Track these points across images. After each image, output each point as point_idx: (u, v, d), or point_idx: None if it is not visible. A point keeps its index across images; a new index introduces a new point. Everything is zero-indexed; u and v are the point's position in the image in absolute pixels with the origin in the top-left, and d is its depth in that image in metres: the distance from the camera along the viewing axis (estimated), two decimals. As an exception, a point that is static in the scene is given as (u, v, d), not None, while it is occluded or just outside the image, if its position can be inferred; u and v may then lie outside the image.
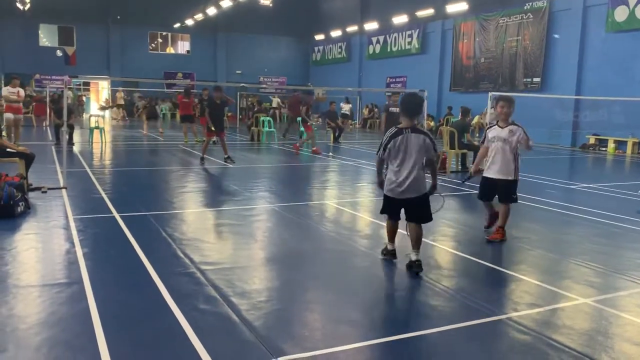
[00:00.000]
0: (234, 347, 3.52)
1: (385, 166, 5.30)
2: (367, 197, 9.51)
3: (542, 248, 6.23)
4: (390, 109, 13.20)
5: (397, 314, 4.25)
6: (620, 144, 18.60)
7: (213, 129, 12.63)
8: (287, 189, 10.18)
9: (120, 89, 32.82)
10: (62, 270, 4.98)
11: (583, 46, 19.84)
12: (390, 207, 5.31)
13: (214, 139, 13.75)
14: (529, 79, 22.07)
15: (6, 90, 14.20)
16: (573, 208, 8.45)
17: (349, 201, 8.96)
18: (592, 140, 19.50)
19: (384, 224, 7.24)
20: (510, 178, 6.21)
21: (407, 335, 3.74)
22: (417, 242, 5.12)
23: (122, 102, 32.33)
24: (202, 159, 12.79)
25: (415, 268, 5.03)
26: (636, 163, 16.12)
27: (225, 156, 12.80)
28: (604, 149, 18.93)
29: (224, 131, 13.26)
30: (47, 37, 34.16)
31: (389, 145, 5.05)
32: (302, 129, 19.84)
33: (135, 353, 3.41)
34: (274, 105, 34.05)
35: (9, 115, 13.76)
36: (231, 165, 12.47)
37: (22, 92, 14.61)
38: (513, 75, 22.81)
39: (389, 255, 5.50)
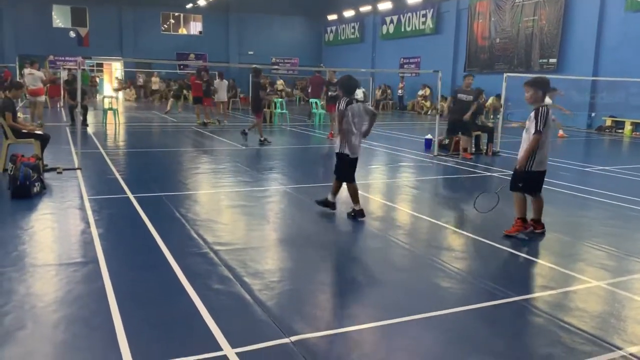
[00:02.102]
0: (247, 326, 3.57)
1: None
2: (379, 179, 9.50)
3: (556, 231, 6.19)
4: (459, 95, 11.58)
5: (409, 295, 4.26)
6: (638, 126, 18.28)
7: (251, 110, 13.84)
8: (299, 171, 10.20)
9: (155, 71, 32.63)
10: (78, 249, 5.06)
11: (601, 26, 19.42)
12: (352, 169, 6.45)
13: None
14: (545, 60, 21.71)
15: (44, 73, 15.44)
16: (588, 191, 8.37)
17: (360, 183, 8.90)
18: (608, 122, 19.20)
19: (396, 206, 7.25)
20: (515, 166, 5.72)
21: (419, 316, 3.76)
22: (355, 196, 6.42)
23: (156, 87, 31.90)
24: (263, 140, 13.34)
25: (359, 215, 6.30)
26: (653, 145, 15.89)
27: (258, 137, 13.51)
28: (620, 131, 18.63)
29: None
30: (60, 18, 34.16)
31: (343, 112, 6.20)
32: (314, 110, 19.78)
33: (150, 331, 3.47)
34: (279, 87, 33.53)
35: (43, 98, 15.28)
36: (266, 146, 12.98)
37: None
38: (529, 56, 22.45)
39: (330, 206, 6.52)
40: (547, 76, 6.56)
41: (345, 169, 6.43)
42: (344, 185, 6.51)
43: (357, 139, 6.35)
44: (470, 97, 11.51)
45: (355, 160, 6.47)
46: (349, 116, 6.21)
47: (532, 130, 5.49)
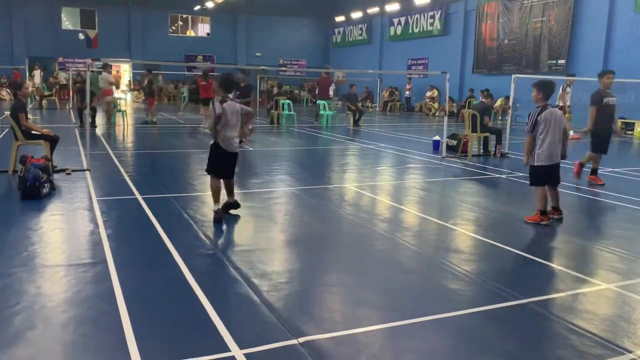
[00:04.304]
0: (255, 327, 3.58)
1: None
2: (387, 180, 9.49)
3: (565, 233, 6.16)
4: (605, 99, 8.99)
5: (417, 296, 4.25)
6: (647, 128, 18.15)
7: None
8: (307, 172, 10.20)
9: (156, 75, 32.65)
10: (87, 250, 5.08)
11: (610, 26, 19.30)
12: (219, 164, 6.23)
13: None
14: (554, 61, 21.60)
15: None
16: (597, 193, 8.32)
17: (368, 184, 8.95)
18: (618, 124, 19.04)
19: (404, 208, 7.25)
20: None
21: (427, 318, 3.75)
22: (232, 191, 6.42)
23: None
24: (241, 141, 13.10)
25: (235, 206, 6.40)
26: (663, 147, 15.77)
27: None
28: (630, 132, 18.49)
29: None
30: (69, 20, 34.40)
31: (219, 113, 6.00)
32: (322, 111, 19.81)
33: (158, 332, 3.48)
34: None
35: (109, 98, 17.49)
36: (250, 148, 12.57)
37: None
38: (537, 57, 22.35)
39: (219, 215, 6.12)
40: (556, 77, 7.35)
41: (213, 163, 6.27)
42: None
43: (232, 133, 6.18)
44: (615, 99, 9.20)
45: (226, 156, 6.22)
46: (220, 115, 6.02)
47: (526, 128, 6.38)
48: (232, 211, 6.46)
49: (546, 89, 6.29)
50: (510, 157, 11.96)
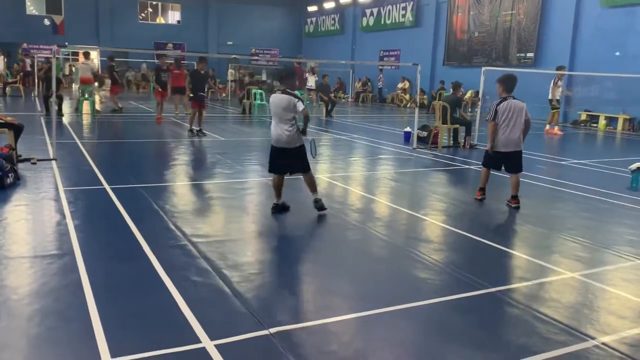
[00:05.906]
0: (225, 318, 3.56)
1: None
2: (359, 171, 9.52)
3: (531, 223, 6.30)
4: None
5: (388, 286, 4.29)
6: (612, 121, 18.64)
7: (192, 95, 13.04)
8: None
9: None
10: (53, 241, 4.97)
11: (577, 21, 19.71)
12: (274, 162, 6.14)
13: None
14: (523, 54, 21.94)
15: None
16: (562, 184, 8.52)
17: (341, 175, 8.97)
18: (583, 117, 19.52)
19: (375, 198, 7.30)
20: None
21: (397, 307, 3.79)
22: (312, 187, 6.17)
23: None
24: (191, 131, 12.74)
25: (317, 205, 6.13)
26: (626, 139, 16.22)
27: (198, 128, 12.82)
28: (595, 125, 18.96)
29: (204, 102, 13.29)
30: (34, 5, 33.33)
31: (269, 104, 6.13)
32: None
33: (127, 324, 3.44)
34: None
35: (91, 87, 17.53)
36: (203, 138, 12.45)
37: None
38: (507, 50, 22.67)
39: (280, 209, 6.13)
40: (525, 70, 7.82)
41: (270, 160, 6.22)
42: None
43: (273, 129, 6.07)
44: None
45: (276, 152, 6.12)
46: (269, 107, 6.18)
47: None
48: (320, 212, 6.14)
49: (505, 83, 6.78)
50: (479, 149, 12.12)
